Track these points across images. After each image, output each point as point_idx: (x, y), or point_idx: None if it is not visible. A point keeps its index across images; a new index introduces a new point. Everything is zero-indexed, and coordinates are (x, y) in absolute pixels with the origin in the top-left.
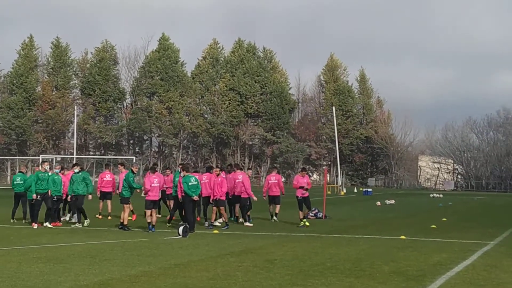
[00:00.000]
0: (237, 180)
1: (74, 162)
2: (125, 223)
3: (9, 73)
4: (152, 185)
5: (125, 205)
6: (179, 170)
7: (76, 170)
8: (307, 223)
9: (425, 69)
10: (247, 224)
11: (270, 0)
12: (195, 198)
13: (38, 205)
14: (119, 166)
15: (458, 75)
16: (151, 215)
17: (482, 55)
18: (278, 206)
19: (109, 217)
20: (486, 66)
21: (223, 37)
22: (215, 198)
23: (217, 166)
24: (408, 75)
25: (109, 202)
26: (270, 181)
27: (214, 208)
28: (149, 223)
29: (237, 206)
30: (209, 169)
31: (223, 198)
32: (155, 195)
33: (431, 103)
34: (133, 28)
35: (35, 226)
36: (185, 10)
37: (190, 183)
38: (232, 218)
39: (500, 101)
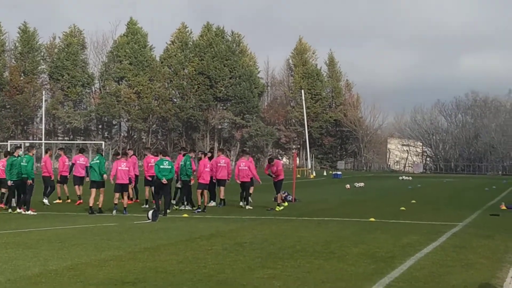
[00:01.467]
0: (219, 164)
1: (34, 146)
2: (100, 206)
3: None
4: (119, 168)
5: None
6: (188, 155)
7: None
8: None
9: (392, 52)
10: (249, 207)
11: None
12: (164, 181)
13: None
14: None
15: (426, 58)
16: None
17: (448, 38)
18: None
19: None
20: (453, 49)
21: (190, 21)
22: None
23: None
24: (375, 58)
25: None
26: (240, 167)
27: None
28: (115, 204)
29: (221, 189)
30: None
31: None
32: (123, 179)
33: (400, 86)
34: (101, 13)
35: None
36: None
37: (162, 166)
38: (217, 202)
39: (468, 84)
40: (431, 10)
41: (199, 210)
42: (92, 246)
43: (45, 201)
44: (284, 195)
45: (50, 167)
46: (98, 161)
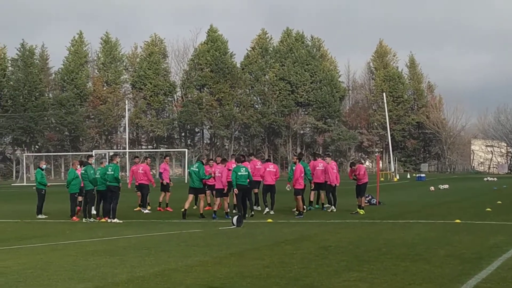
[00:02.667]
0: (317, 168)
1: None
2: (201, 212)
3: (60, 70)
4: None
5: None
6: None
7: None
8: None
9: (472, 51)
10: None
11: None
12: (235, 191)
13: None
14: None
15: (507, 56)
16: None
17: None
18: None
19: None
20: None
21: (270, 27)
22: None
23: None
24: (455, 58)
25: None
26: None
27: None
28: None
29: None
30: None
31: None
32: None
33: (482, 86)
34: (181, 22)
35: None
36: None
37: (239, 173)
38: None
39: None
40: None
41: (301, 215)
42: (178, 252)
43: (145, 211)
44: (368, 198)
45: (150, 175)
46: (197, 168)
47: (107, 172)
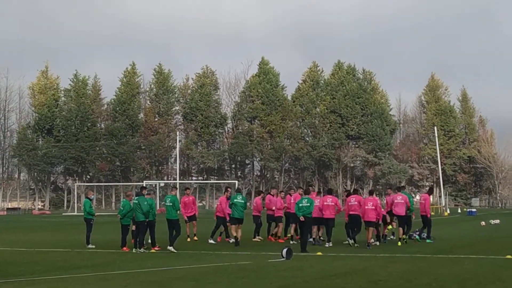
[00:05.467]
0: (350, 203)
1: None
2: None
3: (112, 100)
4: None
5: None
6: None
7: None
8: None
9: None
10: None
11: (367, 24)
12: (302, 218)
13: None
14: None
15: None
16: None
17: None
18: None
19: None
20: None
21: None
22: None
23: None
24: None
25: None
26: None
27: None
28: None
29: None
30: (330, 191)
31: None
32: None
33: None
34: (233, 53)
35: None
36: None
37: (301, 204)
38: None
39: None
40: None
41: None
42: (227, 284)
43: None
44: (417, 233)
45: (226, 207)
46: (242, 200)
47: (166, 203)
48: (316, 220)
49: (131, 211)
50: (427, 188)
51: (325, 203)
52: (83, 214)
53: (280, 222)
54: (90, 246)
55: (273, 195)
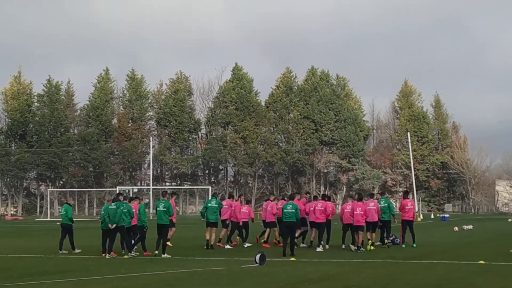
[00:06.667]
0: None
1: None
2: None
3: (85, 106)
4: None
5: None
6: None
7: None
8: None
9: (495, 91)
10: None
11: (342, 30)
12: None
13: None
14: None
15: None
16: None
17: None
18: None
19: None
20: None
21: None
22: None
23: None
24: (478, 98)
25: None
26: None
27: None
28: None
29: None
30: (324, 197)
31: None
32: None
33: (506, 126)
34: (205, 60)
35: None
36: (251, 43)
37: (285, 210)
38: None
39: None
40: None
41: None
42: None
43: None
44: (391, 238)
45: (239, 212)
46: (216, 204)
47: (158, 209)
48: (313, 225)
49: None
50: (402, 193)
51: (316, 208)
52: (57, 220)
53: (274, 227)
54: (76, 251)
55: (272, 201)
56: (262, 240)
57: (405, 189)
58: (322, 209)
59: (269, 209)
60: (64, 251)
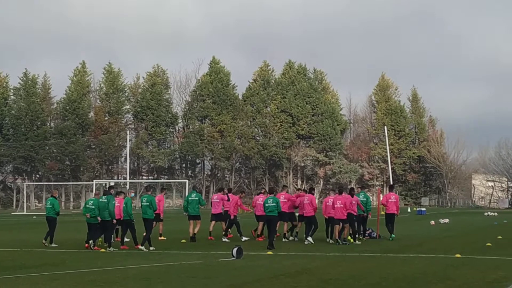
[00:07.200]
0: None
1: (113, 186)
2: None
3: (62, 99)
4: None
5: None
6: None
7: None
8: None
9: (470, 85)
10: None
11: (317, 22)
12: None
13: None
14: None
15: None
16: None
17: None
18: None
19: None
20: None
21: (271, 59)
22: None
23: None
24: (456, 91)
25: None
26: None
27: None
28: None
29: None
30: (311, 190)
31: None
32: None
33: (482, 120)
34: (183, 53)
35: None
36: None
37: (267, 204)
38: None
39: None
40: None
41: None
42: (178, 283)
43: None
44: (368, 232)
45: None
46: (196, 197)
47: (143, 203)
48: (302, 218)
49: (99, 209)
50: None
51: (304, 202)
52: (33, 213)
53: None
54: (53, 245)
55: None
56: (258, 233)
57: (390, 184)
58: (308, 202)
59: (260, 203)
60: (55, 245)
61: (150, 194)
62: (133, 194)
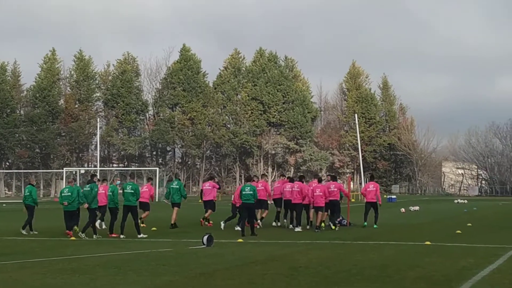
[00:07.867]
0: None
1: (95, 174)
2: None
3: (32, 86)
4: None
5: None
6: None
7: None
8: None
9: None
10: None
11: (287, 9)
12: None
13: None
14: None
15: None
16: None
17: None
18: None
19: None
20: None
21: (242, 47)
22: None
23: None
24: (424, 80)
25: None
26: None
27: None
28: None
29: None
30: (301, 178)
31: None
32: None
33: (452, 108)
34: (154, 40)
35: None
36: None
37: (244, 192)
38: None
39: None
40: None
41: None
42: (148, 271)
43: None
44: (339, 219)
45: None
46: (177, 186)
47: (126, 191)
48: (289, 205)
49: (79, 197)
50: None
51: (293, 189)
52: (24, 200)
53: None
54: (34, 232)
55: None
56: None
57: (370, 173)
58: (298, 190)
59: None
60: (35, 232)
61: (134, 182)
62: (118, 182)
